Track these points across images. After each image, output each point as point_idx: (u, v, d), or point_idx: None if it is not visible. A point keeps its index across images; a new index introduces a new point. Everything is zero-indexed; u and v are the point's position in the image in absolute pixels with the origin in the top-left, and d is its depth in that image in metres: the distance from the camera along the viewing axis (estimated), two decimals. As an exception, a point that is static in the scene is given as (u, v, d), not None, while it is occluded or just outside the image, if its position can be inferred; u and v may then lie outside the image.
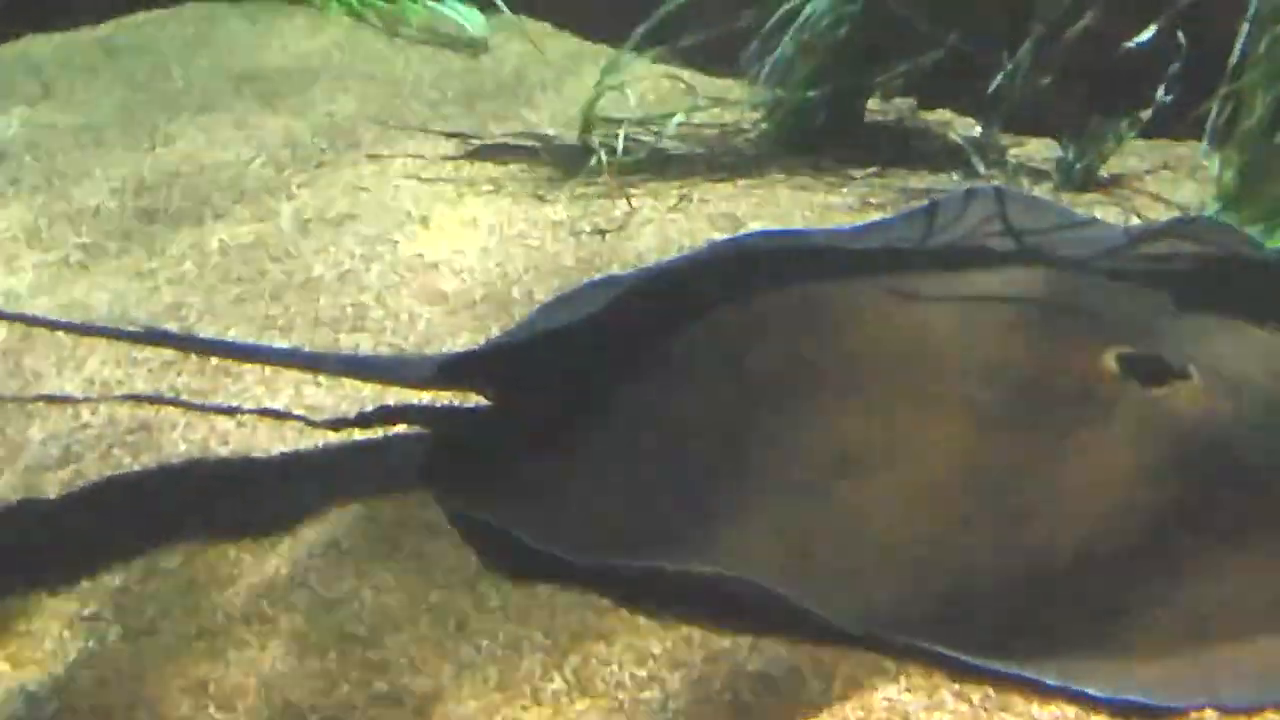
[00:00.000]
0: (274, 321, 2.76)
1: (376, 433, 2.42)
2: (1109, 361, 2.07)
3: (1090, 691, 1.73)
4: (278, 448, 2.38)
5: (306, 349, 2.65)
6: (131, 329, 2.65)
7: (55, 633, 1.95)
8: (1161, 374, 2.04)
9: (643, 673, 1.85)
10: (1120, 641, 1.80)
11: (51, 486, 2.28)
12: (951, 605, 1.88)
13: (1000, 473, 2.00)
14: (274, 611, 1.97)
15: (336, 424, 2.43)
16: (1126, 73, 3.06)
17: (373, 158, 3.47)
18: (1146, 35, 2.99)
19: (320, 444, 2.39)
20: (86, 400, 2.52)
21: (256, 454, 2.36)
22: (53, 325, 2.71)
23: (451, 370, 2.36)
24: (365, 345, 2.66)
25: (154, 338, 2.62)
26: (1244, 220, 2.82)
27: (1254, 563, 1.85)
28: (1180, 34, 3.02)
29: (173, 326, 2.74)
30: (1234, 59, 2.93)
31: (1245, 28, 2.91)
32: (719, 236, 3.03)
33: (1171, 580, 1.85)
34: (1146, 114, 3.10)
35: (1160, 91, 3.07)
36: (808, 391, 2.16)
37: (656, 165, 3.40)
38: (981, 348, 2.17)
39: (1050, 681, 1.75)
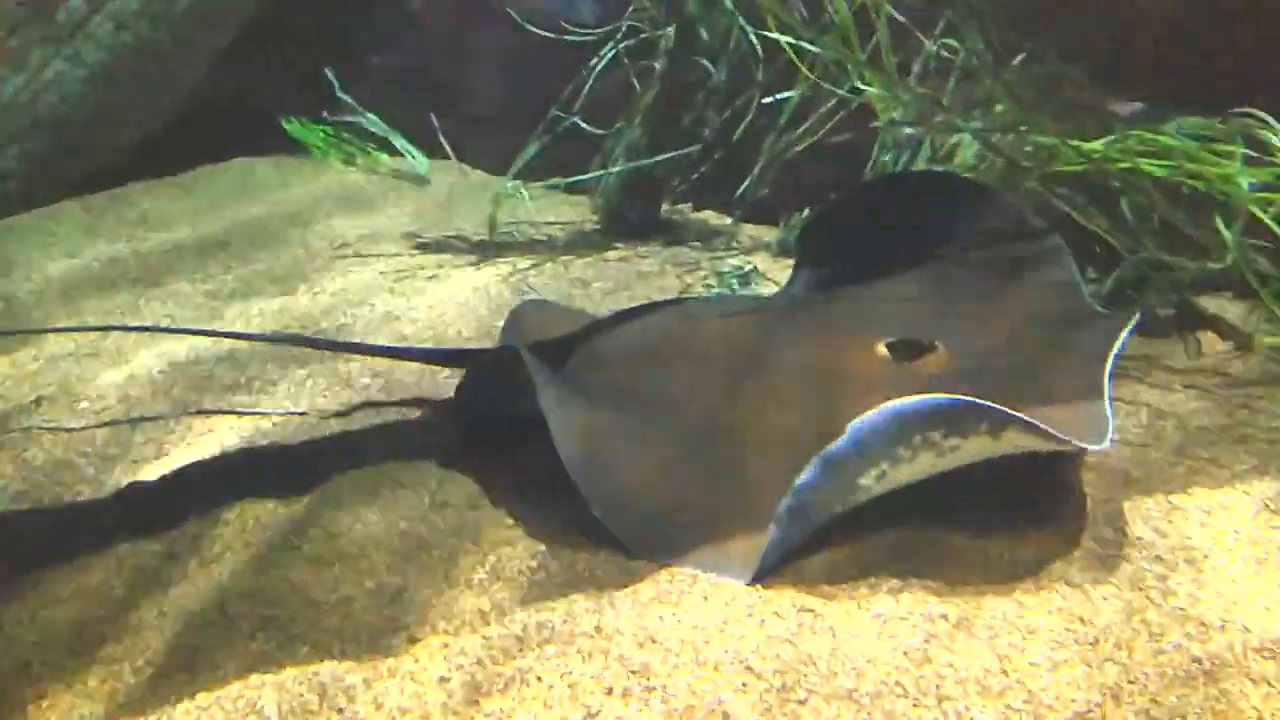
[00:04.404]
0: (297, 357, 2.62)
1: (365, 422, 2.32)
2: (880, 349, 2.03)
3: None
4: (300, 438, 2.28)
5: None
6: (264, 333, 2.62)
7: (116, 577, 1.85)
8: (919, 350, 2.01)
9: (534, 563, 1.83)
10: None
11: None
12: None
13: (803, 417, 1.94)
14: (298, 541, 1.90)
15: (334, 414, 2.34)
16: (812, 185, 3.12)
17: (359, 255, 3.38)
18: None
19: (324, 433, 2.29)
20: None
21: (287, 442, 2.26)
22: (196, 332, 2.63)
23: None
24: (356, 369, 2.54)
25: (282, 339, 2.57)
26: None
27: None
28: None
29: (228, 366, 2.60)
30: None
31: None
32: (577, 292, 3.02)
33: None
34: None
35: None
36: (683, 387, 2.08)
37: (538, 248, 3.38)
38: (797, 348, 2.13)
39: None
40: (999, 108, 2.44)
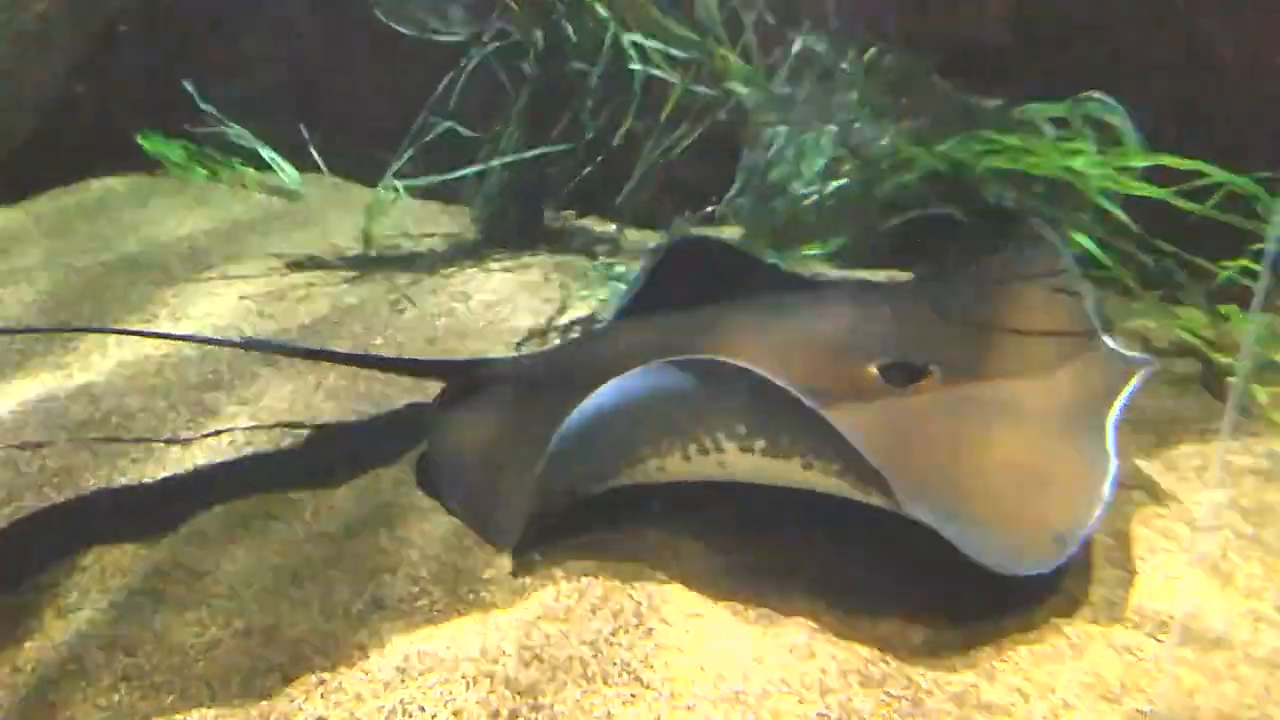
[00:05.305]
0: (158, 389, 2.51)
1: (232, 453, 2.23)
2: (871, 370, 1.93)
3: None
4: (161, 474, 2.17)
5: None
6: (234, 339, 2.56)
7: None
8: (913, 374, 1.92)
9: (416, 589, 1.80)
10: None
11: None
12: None
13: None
14: (161, 585, 1.82)
15: (198, 446, 2.25)
16: (690, 185, 3.15)
17: (224, 277, 3.22)
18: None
19: (188, 468, 2.19)
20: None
21: (147, 480, 2.15)
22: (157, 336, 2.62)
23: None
24: (222, 399, 2.45)
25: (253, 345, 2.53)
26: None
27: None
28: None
29: (85, 401, 2.45)
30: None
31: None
32: (459, 306, 2.98)
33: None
34: (705, 211, 3.16)
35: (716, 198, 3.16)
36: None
37: (417, 261, 3.31)
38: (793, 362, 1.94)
39: None
40: (854, 107, 2.52)
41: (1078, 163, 2.21)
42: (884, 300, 2.23)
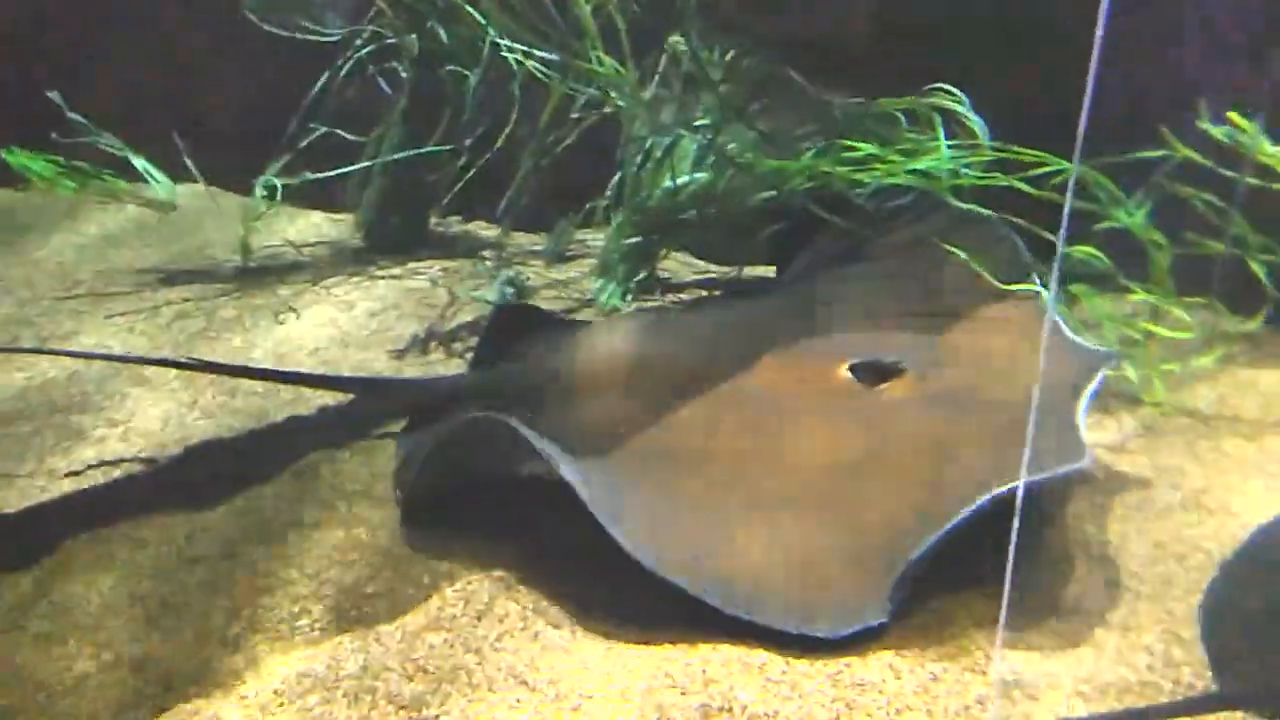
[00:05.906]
0: (21, 412, 2.37)
1: (101, 478, 2.13)
2: (843, 370, 1.95)
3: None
4: (24, 503, 2.05)
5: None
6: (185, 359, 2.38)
7: None
8: (885, 373, 1.94)
9: (296, 609, 1.75)
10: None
11: None
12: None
13: (768, 444, 1.87)
14: (23, 620, 1.73)
15: (66, 474, 2.14)
16: (571, 190, 3.14)
17: (94, 294, 3.06)
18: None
19: (53, 495, 2.07)
20: None
21: (8, 509, 2.03)
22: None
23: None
24: (89, 421, 2.33)
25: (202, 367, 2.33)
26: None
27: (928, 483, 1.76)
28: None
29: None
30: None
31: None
32: (342, 315, 2.92)
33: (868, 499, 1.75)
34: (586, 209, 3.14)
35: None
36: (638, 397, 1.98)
37: (300, 271, 3.21)
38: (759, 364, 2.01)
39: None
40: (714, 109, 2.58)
41: (923, 164, 2.30)
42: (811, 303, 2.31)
